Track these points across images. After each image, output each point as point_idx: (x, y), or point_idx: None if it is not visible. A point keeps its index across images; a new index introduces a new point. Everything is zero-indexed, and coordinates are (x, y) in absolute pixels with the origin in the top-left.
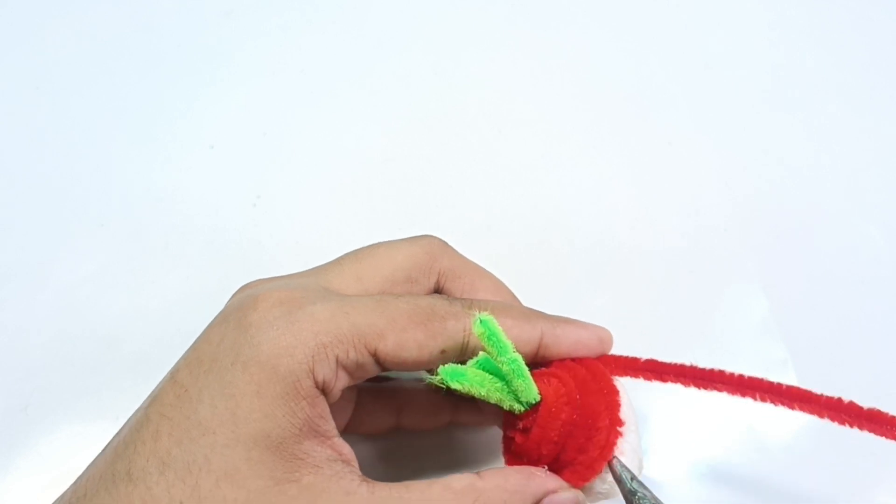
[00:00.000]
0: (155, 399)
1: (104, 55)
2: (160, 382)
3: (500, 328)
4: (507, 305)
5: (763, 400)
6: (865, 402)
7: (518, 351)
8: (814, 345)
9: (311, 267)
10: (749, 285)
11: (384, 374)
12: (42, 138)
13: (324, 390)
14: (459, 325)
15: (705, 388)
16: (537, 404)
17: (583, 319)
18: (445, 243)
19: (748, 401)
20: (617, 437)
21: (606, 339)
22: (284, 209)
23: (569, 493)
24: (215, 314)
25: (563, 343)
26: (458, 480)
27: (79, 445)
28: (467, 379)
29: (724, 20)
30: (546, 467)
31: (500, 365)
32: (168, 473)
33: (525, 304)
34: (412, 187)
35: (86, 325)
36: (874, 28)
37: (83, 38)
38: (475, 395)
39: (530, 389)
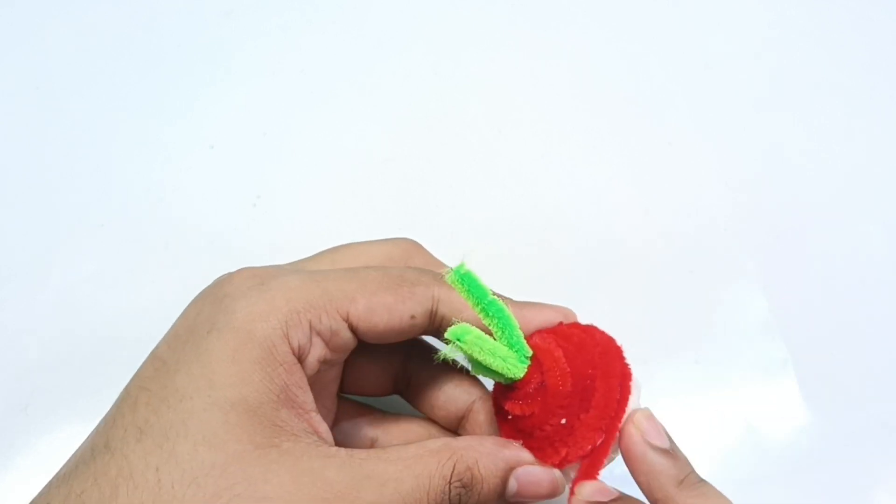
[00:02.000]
0: (136, 375)
1: (104, 55)
2: (143, 361)
3: (475, 275)
4: None
5: None
6: (865, 402)
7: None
8: (814, 345)
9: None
10: (749, 285)
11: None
12: (42, 138)
13: (299, 357)
14: (428, 292)
15: None
16: (531, 366)
17: (582, 319)
18: (420, 245)
19: (748, 400)
20: (628, 392)
21: (571, 317)
22: (284, 209)
23: (544, 469)
24: None
25: (532, 325)
26: (434, 442)
27: (79, 445)
28: (471, 336)
29: (724, 20)
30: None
31: (482, 312)
32: (145, 441)
33: None
34: (412, 187)
35: (86, 325)
36: (874, 28)
37: (83, 38)
38: (477, 358)
39: (520, 340)
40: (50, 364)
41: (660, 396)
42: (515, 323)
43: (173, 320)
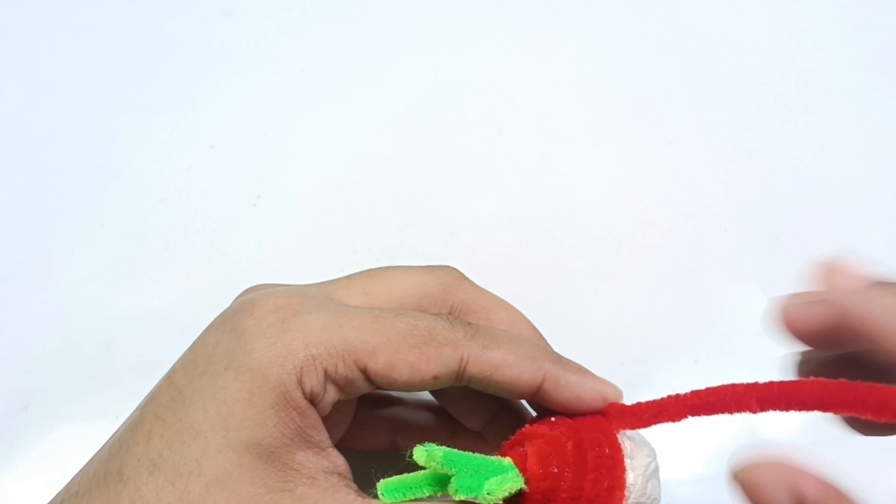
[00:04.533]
0: (151, 399)
1: (104, 55)
2: (158, 383)
3: (443, 451)
4: (513, 338)
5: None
6: None
7: (514, 390)
8: None
9: (309, 267)
10: (749, 285)
11: (379, 390)
12: (42, 138)
13: (312, 401)
14: (456, 354)
15: (729, 411)
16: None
17: (582, 319)
18: (462, 275)
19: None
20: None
21: (611, 395)
22: (284, 209)
23: None
24: (215, 314)
25: (563, 394)
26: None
27: (79, 445)
28: (411, 490)
29: (723, 19)
30: None
31: (452, 492)
32: (158, 475)
33: (525, 304)
34: (412, 187)
35: (86, 325)
36: (874, 27)
37: (83, 38)
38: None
39: (507, 481)
40: (50, 364)
41: (660, 396)
42: (495, 466)
43: (173, 320)
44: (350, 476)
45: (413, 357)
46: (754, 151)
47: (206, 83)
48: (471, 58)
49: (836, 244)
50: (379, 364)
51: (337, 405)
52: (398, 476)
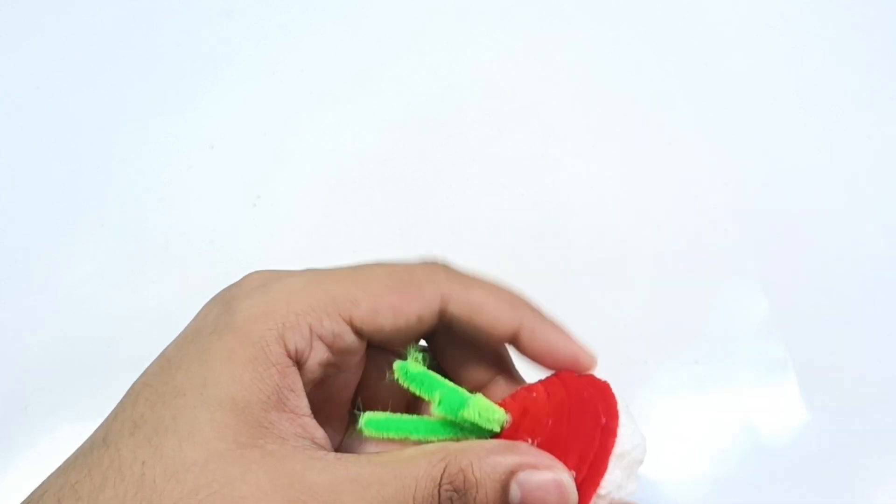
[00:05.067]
0: (143, 373)
1: (104, 55)
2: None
3: (421, 369)
4: (494, 284)
5: None
6: (864, 402)
7: (492, 332)
8: (814, 345)
9: (310, 266)
10: (749, 285)
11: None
12: (42, 138)
13: (298, 361)
14: (437, 290)
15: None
16: (511, 422)
17: (582, 319)
18: (449, 267)
19: (748, 400)
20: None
21: (584, 359)
22: (284, 209)
23: (549, 475)
24: None
25: (538, 342)
26: (434, 445)
27: (79, 445)
28: (389, 428)
29: (723, 19)
30: None
31: (434, 404)
32: (137, 434)
33: None
34: (412, 187)
35: (86, 325)
36: (874, 27)
37: (83, 38)
38: (413, 440)
39: (489, 412)
40: (50, 364)
41: (660, 396)
42: (473, 400)
43: (173, 320)
44: (329, 449)
45: (395, 299)
46: (754, 151)
47: (206, 83)
48: (471, 58)
49: (836, 244)
50: (363, 311)
51: (330, 398)
52: (385, 412)
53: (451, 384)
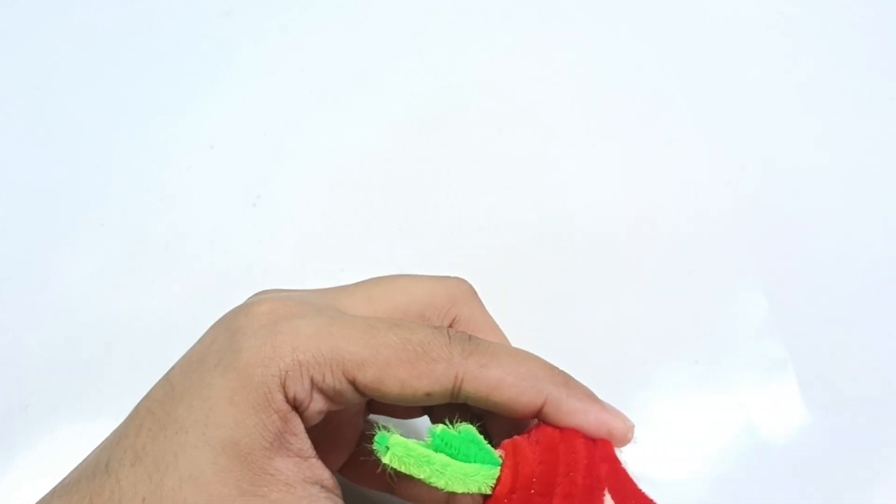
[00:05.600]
0: (148, 395)
1: (104, 55)
2: (158, 380)
3: (407, 447)
4: (515, 356)
5: None
6: (864, 402)
7: (513, 410)
8: (814, 345)
9: (309, 267)
10: (749, 285)
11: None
12: (42, 138)
13: (297, 408)
14: (451, 371)
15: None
16: (504, 470)
17: (582, 319)
18: (473, 290)
19: (748, 400)
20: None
21: (618, 431)
22: (284, 209)
23: None
24: (215, 314)
25: (564, 420)
26: None
27: (79, 445)
28: (406, 458)
29: (723, 19)
30: None
31: (427, 476)
32: (138, 467)
33: (525, 304)
34: (412, 187)
35: (86, 325)
36: (874, 27)
37: (83, 38)
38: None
39: (484, 478)
40: (50, 364)
41: (660, 396)
42: (468, 473)
43: (173, 320)
44: (338, 492)
45: (404, 372)
46: (754, 151)
47: (206, 83)
48: (471, 58)
49: (836, 244)
50: (368, 377)
51: (338, 427)
52: (406, 440)
53: (440, 463)
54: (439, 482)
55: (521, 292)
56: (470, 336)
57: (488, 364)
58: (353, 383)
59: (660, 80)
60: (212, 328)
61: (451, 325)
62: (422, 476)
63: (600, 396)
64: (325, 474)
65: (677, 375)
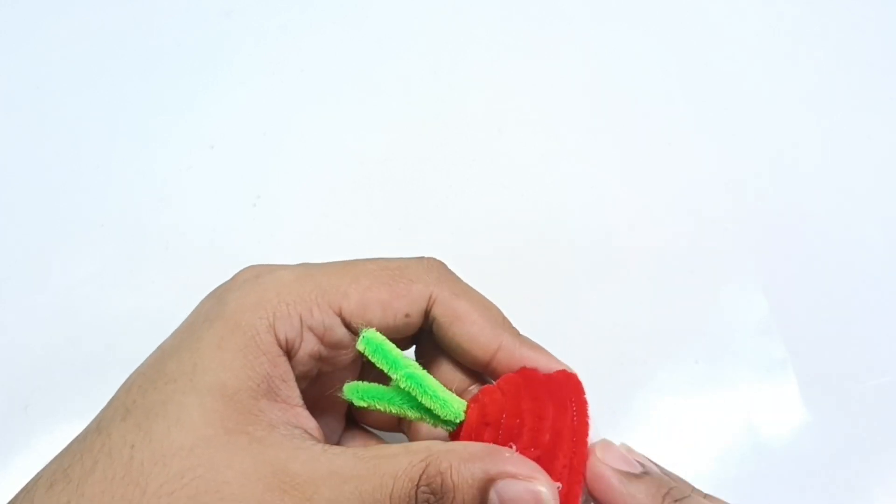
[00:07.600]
0: (140, 364)
1: (104, 55)
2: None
3: (387, 344)
4: (482, 301)
5: None
6: (864, 402)
7: (470, 353)
8: (814, 345)
9: None
10: (749, 285)
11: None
12: (42, 138)
13: (288, 351)
14: (426, 290)
15: None
16: (460, 425)
17: (582, 319)
18: (444, 266)
19: (748, 400)
20: (585, 426)
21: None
22: (284, 209)
23: (527, 486)
24: None
25: (517, 363)
26: (419, 444)
27: None
28: (371, 396)
29: (723, 19)
30: None
31: (396, 381)
32: (128, 419)
33: (525, 304)
34: (412, 187)
35: (86, 325)
36: (874, 27)
37: (83, 38)
38: (389, 412)
39: (446, 406)
40: (50, 364)
41: (660, 396)
42: (437, 391)
43: (173, 320)
44: (321, 438)
45: (384, 293)
46: (754, 151)
47: (206, 83)
48: (471, 58)
49: (836, 244)
50: (352, 304)
51: (331, 389)
52: (367, 383)
53: (416, 367)
54: (405, 385)
55: (520, 292)
56: (445, 269)
57: (460, 295)
58: (339, 315)
59: (660, 81)
60: (200, 303)
61: (429, 304)
62: (385, 368)
63: (600, 396)
64: (310, 423)
65: (677, 375)
